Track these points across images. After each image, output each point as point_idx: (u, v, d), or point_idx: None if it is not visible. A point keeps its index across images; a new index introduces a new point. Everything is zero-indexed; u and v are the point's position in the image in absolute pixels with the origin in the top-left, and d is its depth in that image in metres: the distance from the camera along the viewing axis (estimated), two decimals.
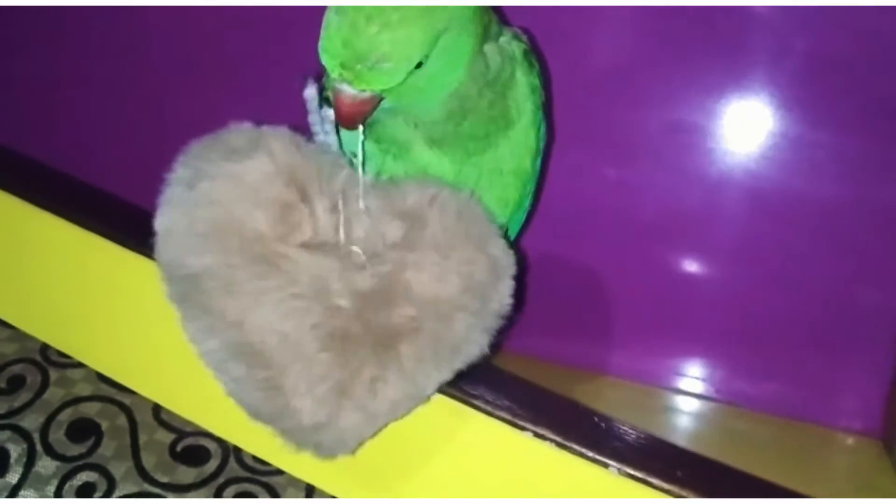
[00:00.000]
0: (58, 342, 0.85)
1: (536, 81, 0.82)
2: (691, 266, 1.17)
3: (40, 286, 0.87)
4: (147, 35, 1.27)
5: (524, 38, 0.82)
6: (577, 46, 1.10)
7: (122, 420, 0.81)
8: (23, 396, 0.81)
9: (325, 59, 0.64)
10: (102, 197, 0.89)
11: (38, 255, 0.87)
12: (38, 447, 0.77)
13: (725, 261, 1.18)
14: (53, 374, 0.83)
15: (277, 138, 0.67)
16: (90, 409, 0.81)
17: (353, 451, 0.68)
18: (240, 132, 0.68)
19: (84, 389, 0.82)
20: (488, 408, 0.73)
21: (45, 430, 0.78)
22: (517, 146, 0.82)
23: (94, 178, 0.91)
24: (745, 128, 1.09)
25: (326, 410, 0.64)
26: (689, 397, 1.22)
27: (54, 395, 0.81)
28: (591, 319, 1.24)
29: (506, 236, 0.84)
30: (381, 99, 0.68)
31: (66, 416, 0.80)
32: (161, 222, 0.66)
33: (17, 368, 0.82)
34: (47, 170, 0.92)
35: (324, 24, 0.64)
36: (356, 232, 0.67)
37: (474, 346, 0.68)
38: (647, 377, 1.24)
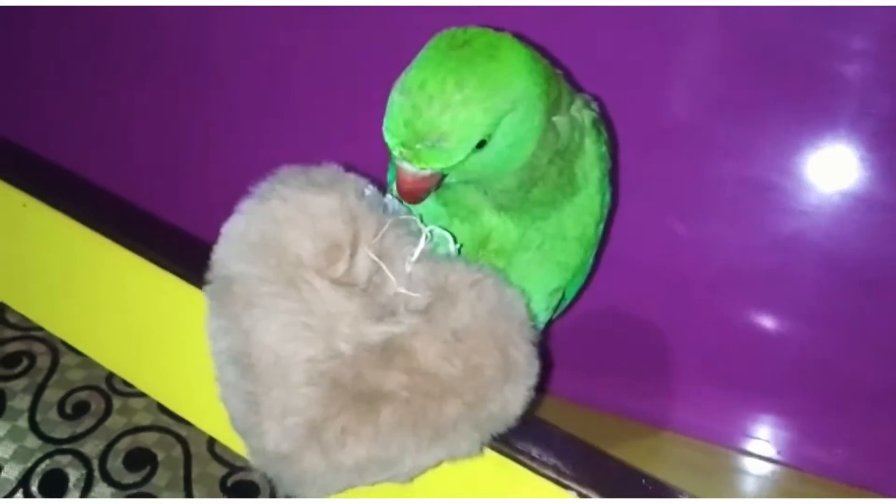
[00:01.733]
0: (123, 371, 0.88)
1: (604, 149, 0.81)
2: (763, 325, 1.13)
3: (110, 316, 0.91)
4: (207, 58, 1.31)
5: (594, 105, 0.81)
6: (651, 98, 1.08)
7: (178, 451, 0.83)
8: (86, 422, 0.84)
9: (388, 138, 0.64)
10: (173, 233, 0.93)
11: (109, 286, 0.92)
12: (97, 473, 0.81)
13: (799, 322, 1.13)
14: (116, 402, 0.86)
15: (354, 184, 0.70)
16: (148, 439, 0.84)
17: (316, 499, 0.68)
18: (325, 170, 0.72)
19: (144, 419, 0.85)
20: (534, 464, 0.72)
21: (104, 457, 0.82)
22: (582, 212, 0.80)
23: (156, 207, 0.95)
24: (822, 187, 1.05)
25: (291, 443, 0.65)
26: (754, 459, 1.18)
27: (116, 422, 0.85)
28: (658, 374, 1.22)
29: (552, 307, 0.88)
30: (444, 176, 0.68)
31: (125, 444, 0.83)
32: (227, 225, 0.71)
33: (82, 395, 0.86)
34: (126, 205, 0.96)
35: (388, 103, 0.64)
36: (388, 288, 0.68)
37: (462, 439, 0.66)
38: (711, 435, 1.20)
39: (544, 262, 0.81)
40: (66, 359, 0.89)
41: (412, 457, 0.66)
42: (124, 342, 0.90)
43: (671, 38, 1.03)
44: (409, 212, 0.75)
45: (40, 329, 0.92)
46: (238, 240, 0.69)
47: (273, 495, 0.80)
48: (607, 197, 0.85)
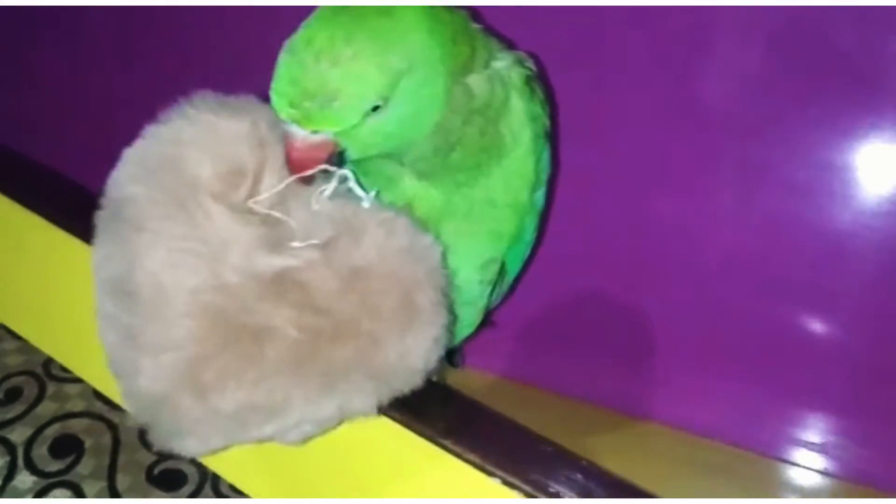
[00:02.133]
0: (60, 356, 0.85)
1: (538, 109, 0.75)
2: (813, 326, 1.06)
3: (49, 300, 0.88)
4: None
5: (529, 63, 0.76)
6: (695, 82, 1.02)
7: (107, 439, 0.80)
8: (16, 409, 0.82)
9: (275, 100, 0.60)
10: None
11: (50, 269, 0.88)
12: (20, 461, 0.77)
13: (852, 322, 1.06)
14: (51, 387, 0.84)
15: (269, 113, 0.64)
16: (78, 426, 0.81)
17: (194, 455, 0.63)
18: (241, 98, 0.67)
19: (77, 405, 0.83)
20: (457, 448, 0.68)
21: (29, 445, 0.79)
22: (513, 177, 0.75)
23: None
24: (877, 175, 0.98)
25: (165, 382, 0.58)
26: (804, 470, 1.10)
27: (47, 409, 0.83)
28: (648, 363, 1.15)
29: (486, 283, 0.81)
30: (341, 151, 0.63)
31: (53, 430, 0.81)
32: (128, 149, 0.65)
33: (17, 380, 0.85)
34: (63, 183, 0.93)
35: (276, 67, 0.60)
36: (292, 217, 0.62)
37: (355, 391, 0.60)
38: (706, 428, 1.13)
39: (473, 230, 0.75)
40: (5, 344, 0.88)
41: (298, 408, 0.59)
42: (63, 327, 0.87)
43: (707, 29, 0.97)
44: None
45: None
46: (137, 162, 0.64)
47: (201, 485, 0.76)
48: (545, 161, 0.79)
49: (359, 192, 0.63)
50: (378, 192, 0.67)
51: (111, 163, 0.69)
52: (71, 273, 0.87)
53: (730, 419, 1.12)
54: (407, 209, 0.70)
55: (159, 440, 0.61)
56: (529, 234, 0.84)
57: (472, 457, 0.67)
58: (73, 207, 0.90)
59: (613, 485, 0.67)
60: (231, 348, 0.58)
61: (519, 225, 0.78)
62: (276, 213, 0.61)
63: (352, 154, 0.64)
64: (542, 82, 0.79)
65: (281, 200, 0.63)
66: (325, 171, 0.62)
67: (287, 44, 0.60)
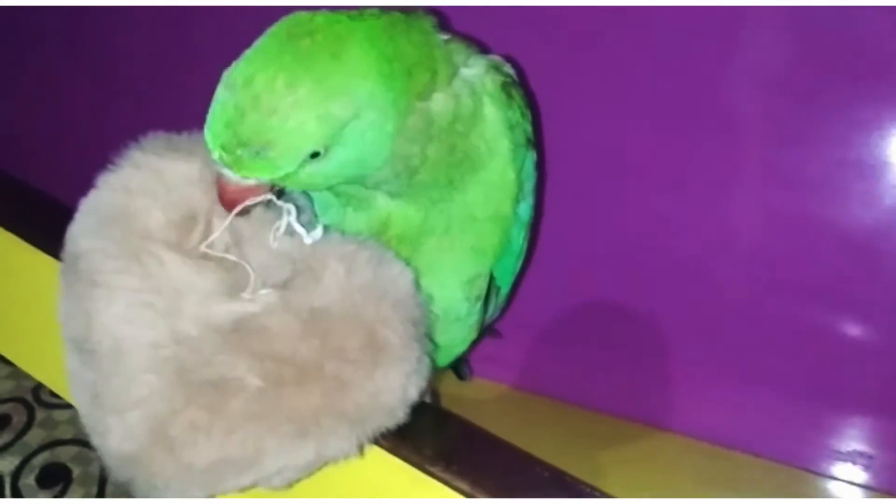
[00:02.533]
0: (50, 381, 0.84)
1: (516, 117, 0.71)
2: (837, 329, 1.01)
3: (39, 326, 0.86)
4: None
5: (507, 68, 0.72)
6: (708, 81, 0.98)
7: (95, 467, 0.79)
8: (4, 437, 0.81)
9: (208, 139, 0.56)
10: None
11: (38, 295, 0.86)
12: (7, 492, 0.76)
13: (880, 323, 1.01)
14: (40, 414, 0.84)
15: None
16: (66, 454, 0.80)
17: None
18: (190, 137, 0.65)
19: (66, 432, 0.82)
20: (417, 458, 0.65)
21: (17, 474, 0.78)
22: (492, 189, 0.71)
23: None
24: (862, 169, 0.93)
25: (134, 441, 0.57)
26: (832, 480, 1.05)
27: (35, 436, 0.82)
28: (664, 371, 1.11)
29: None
30: (279, 188, 0.60)
31: (41, 459, 0.80)
32: (83, 200, 0.64)
33: (5, 408, 0.84)
34: (52, 209, 0.92)
35: (213, 98, 0.56)
36: (249, 258, 0.60)
37: (329, 435, 0.58)
38: (729, 439, 1.08)
39: (454, 247, 0.71)
40: None
41: (273, 457, 0.57)
42: (53, 352, 0.85)
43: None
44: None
45: None
46: (89, 214, 0.63)
47: None
48: (527, 170, 0.75)
49: (299, 229, 0.60)
50: (326, 226, 0.63)
51: None
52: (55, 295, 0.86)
53: (751, 428, 1.07)
54: (377, 233, 0.69)
55: (140, 495, 0.60)
56: (518, 246, 0.80)
57: (460, 484, 0.64)
58: (63, 232, 0.88)
59: None
60: (196, 402, 0.56)
61: (503, 239, 0.74)
62: (231, 257, 0.59)
63: (289, 188, 0.61)
64: (522, 87, 0.74)
65: (236, 241, 0.61)
66: (270, 203, 0.60)
67: (226, 76, 0.56)
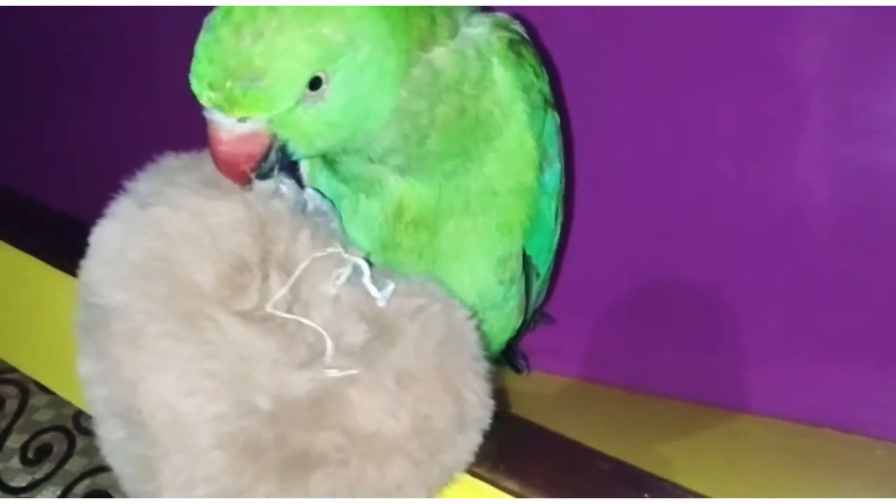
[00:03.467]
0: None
1: (529, 77, 0.66)
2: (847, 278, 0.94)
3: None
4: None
5: (515, 25, 0.67)
6: (767, 36, 0.91)
7: None
8: (45, 467, 0.79)
9: (194, 84, 0.51)
10: None
11: (70, 319, 0.85)
12: None
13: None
14: (80, 442, 0.83)
15: (263, 184, 0.57)
16: (107, 480, 0.79)
17: None
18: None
19: None
20: None
21: None
22: (511, 158, 0.66)
23: None
24: None
25: None
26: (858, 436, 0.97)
27: (76, 465, 0.81)
28: (731, 348, 1.04)
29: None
30: (282, 146, 0.55)
31: (82, 488, 0.78)
32: (97, 235, 0.56)
33: (47, 437, 0.82)
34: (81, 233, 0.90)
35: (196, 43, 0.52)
36: (313, 318, 0.54)
37: (408, 497, 0.55)
38: (802, 414, 1.00)
39: (477, 227, 0.67)
40: (35, 399, 0.85)
41: None
42: None
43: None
44: (333, 207, 0.63)
45: (15, 371, 0.87)
46: (115, 258, 0.54)
47: None
48: (548, 133, 0.69)
49: (373, 290, 0.56)
50: (394, 287, 0.58)
51: None
52: None
53: (835, 403, 0.99)
54: (393, 221, 0.65)
55: None
56: (549, 220, 0.75)
57: (509, 484, 0.59)
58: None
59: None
60: (270, 479, 0.52)
61: (530, 212, 0.69)
62: (301, 319, 0.54)
63: (295, 149, 0.56)
64: (533, 45, 0.69)
65: (296, 295, 0.55)
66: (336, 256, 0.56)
67: (206, 20, 0.52)
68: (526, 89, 0.65)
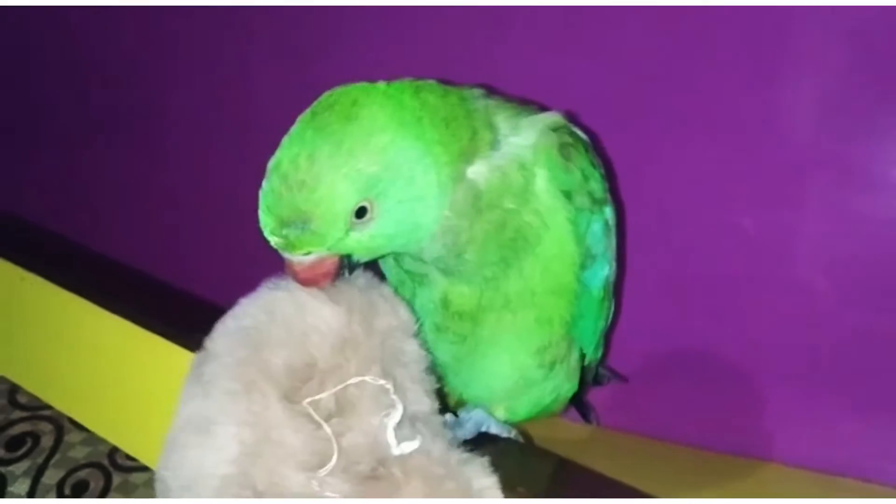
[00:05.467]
0: (126, 445, 0.84)
1: (576, 180, 0.67)
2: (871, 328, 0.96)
3: (113, 389, 0.88)
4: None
5: (566, 127, 0.69)
6: (774, 90, 0.94)
7: None
8: None
9: (262, 229, 0.59)
10: (174, 301, 0.89)
11: (106, 356, 0.88)
12: None
13: None
14: (116, 479, 0.84)
15: (366, 300, 0.63)
16: None
17: None
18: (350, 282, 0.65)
19: (143, 494, 0.82)
20: None
21: None
22: (550, 262, 0.68)
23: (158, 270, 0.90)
24: None
25: None
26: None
27: (113, 502, 0.78)
28: (756, 399, 1.05)
29: None
30: (346, 256, 0.62)
31: None
32: (243, 299, 0.64)
33: (83, 474, 0.85)
34: (122, 273, 0.92)
35: None
36: (344, 435, 0.58)
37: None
38: (828, 464, 1.02)
39: (517, 320, 0.70)
40: (71, 436, 0.86)
41: None
42: (128, 415, 0.86)
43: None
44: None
45: (49, 408, 0.88)
46: (234, 318, 0.63)
47: None
48: (595, 232, 0.71)
49: (391, 439, 0.59)
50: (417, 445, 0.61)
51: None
52: (132, 361, 0.86)
53: (860, 453, 1.01)
54: (441, 310, 0.70)
55: None
56: (593, 312, 0.77)
57: None
58: (132, 296, 0.91)
59: None
60: None
61: (570, 309, 0.72)
62: (326, 428, 0.58)
63: (360, 259, 0.63)
64: (588, 138, 0.71)
65: (341, 411, 0.59)
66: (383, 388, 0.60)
67: (268, 166, 0.59)
68: (570, 195, 0.67)
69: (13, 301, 0.94)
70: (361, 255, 0.62)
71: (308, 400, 0.58)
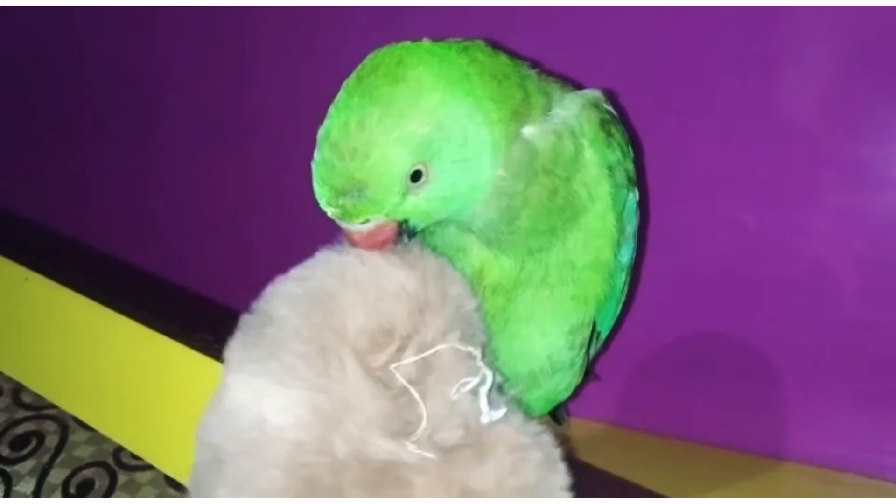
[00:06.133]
0: (131, 444, 0.83)
1: (616, 156, 0.68)
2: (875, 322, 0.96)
3: (118, 389, 0.88)
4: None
5: (605, 104, 0.70)
6: (775, 91, 0.96)
7: None
8: None
9: (318, 200, 0.58)
10: (180, 301, 0.88)
11: (116, 358, 0.89)
12: None
13: None
14: (122, 477, 0.82)
15: (440, 269, 0.61)
16: None
17: None
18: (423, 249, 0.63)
19: (148, 493, 0.81)
20: None
21: None
22: (592, 236, 0.68)
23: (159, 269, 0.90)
24: None
25: None
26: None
27: (118, 500, 0.78)
28: (764, 395, 1.05)
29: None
30: (405, 221, 0.60)
31: None
32: (299, 266, 0.62)
33: (88, 472, 0.83)
34: (127, 273, 0.92)
35: None
36: (426, 402, 0.56)
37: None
38: (837, 460, 1.02)
39: (553, 297, 0.69)
40: (75, 436, 0.86)
41: None
42: (133, 414, 0.85)
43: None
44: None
45: (53, 407, 0.88)
46: (298, 282, 0.61)
47: None
48: (629, 212, 0.72)
49: (483, 405, 0.57)
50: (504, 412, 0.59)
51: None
52: (136, 359, 0.86)
53: (869, 449, 1.01)
54: (472, 282, 0.66)
55: None
56: (619, 292, 0.77)
57: None
58: (137, 295, 0.91)
59: None
60: None
61: (605, 287, 0.72)
62: (413, 391, 0.56)
63: (416, 225, 0.62)
64: (622, 122, 0.72)
65: (421, 377, 0.57)
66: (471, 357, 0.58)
67: (318, 136, 0.58)
68: (612, 169, 0.68)
69: (17, 301, 0.94)
70: (419, 221, 0.61)
71: (394, 365, 0.56)
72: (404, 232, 0.61)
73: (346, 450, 0.54)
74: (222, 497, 0.55)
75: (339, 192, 0.56)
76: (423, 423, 0.55)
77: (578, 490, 0.63)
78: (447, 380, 0.57)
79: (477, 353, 0.58)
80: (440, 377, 0.57)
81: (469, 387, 0.57)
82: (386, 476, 0.53)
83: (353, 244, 0.60)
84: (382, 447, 0.54)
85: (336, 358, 0.56)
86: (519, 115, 0.61)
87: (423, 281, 0.59)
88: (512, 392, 0.63)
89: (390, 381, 0.56)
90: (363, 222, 0.58)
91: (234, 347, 0.60)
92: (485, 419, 0.56)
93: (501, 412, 0.57)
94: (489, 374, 0.57)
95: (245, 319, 0.61)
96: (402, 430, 0.55)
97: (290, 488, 0.53)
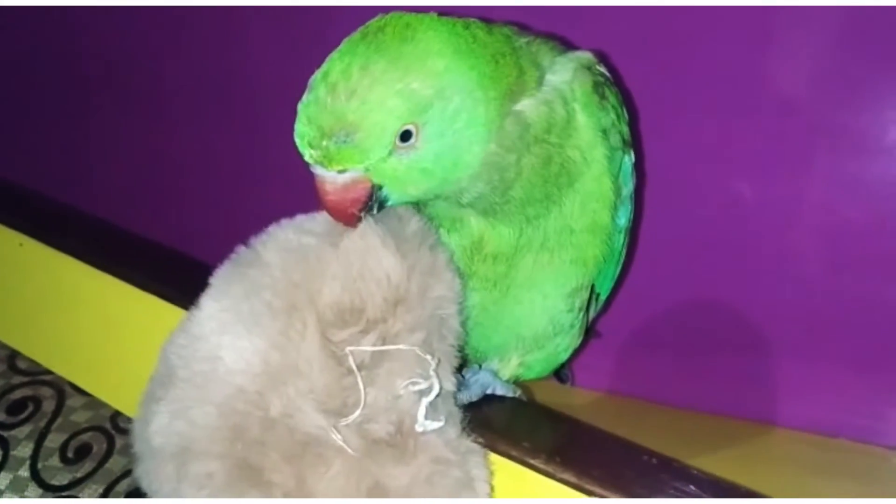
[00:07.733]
0: (127, 408, 0.83)
1: (610, 119, 0.68)
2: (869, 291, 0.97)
3: (114, 353, 0.87)
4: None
5: (598, 66, 0.69)
6: (768, 65, 0.96)
7: None
8: (86, 466, 0.81)
9: (296, 141, 0.56)
10: (174, 262, 0.88)
11: (106, 319, 0.88)
12: None
13: None
14: (119, 441, 0.83)
15: (429, 257, 0.61)
16: None
17: None
18: (419, 232, 0.63)
19: None
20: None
21: None
22: (588, 199, 0.68)
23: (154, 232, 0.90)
24: None
25: (162, 441, 0.57)
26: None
27: (116, 464, 0.82)
28: (755, 362, 1.06)
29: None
30: (378, 187, 0.58)
31: (123, 486, 0.79)
32: (305, 216, 0.63)
33: (85, 437, 0.83)
34: (122, 236, 0.92)
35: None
36: (369, 389, 0.57)
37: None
38: (828, 427, 1.03)
39: (553, 260, 0.69)
40: (72, 401, 0.86)
41: None
42: (129, 379, 0.84)
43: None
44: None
45: (49, 373, 0.88)
46: (298, 232, 0.61)
47: None
48: (625, 173, 0.71)
49: (421, 415, 0.57)
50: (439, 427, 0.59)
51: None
52: (133, 324, 0.86)
53: (860, 415, 1.02)
54: (471, 252, 0.68)
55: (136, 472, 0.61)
56: (618, 254, 0.77)
57: (566, 476, 0.60)
58: (131, 258, 0.90)
59: (728, 491, 0.60)
60: (226, 464, 0.55)
61: (603, 249, 0.71)
62: (359, 377, 0.57)
63: (390, 195, 0.60)
64: (616, 84, 0.71)
65: (373, 365, 0.58)
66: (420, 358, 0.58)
67: (310, 81, 0.56)
68: (606, 132, 0.67)
69: (12, 266, 0.93)
70: (393, 191, 0.59)
71: (350, 348, 0.57)
72: (376, 200, 0.59)
73: (280, 411, 0.55)
74: (155, 418, 0.58)
75: (326, 134, 0.54)
76: (359, 410, 0.56)
77: (578, 448, 0.64)
78: (398, 375, 0.57)
79: (433, 362, 0.58)
80: (392, 370, 0.57)
81: (415, 388, 0.57)
82: (308, 449, 0.55)
83: (323, 195, 0.58)
84: (313, 420, 0.55)
85: (300, 321, 0.57)
86: (512, 94, 0.61)
87: (409, 274, 0.59)
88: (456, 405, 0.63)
89: (343, 359, 0.57)
90: (341, 171, 0.56)
91: (220, 275, 0.62)
92: (419, 427, 0.57)
93: (437, 424, 0.57)
94: (436, 385, 0.58)
95: (239, 251, 0.62)
96: (339, 409, 0.56)
97: (220, 428, 0.55)
